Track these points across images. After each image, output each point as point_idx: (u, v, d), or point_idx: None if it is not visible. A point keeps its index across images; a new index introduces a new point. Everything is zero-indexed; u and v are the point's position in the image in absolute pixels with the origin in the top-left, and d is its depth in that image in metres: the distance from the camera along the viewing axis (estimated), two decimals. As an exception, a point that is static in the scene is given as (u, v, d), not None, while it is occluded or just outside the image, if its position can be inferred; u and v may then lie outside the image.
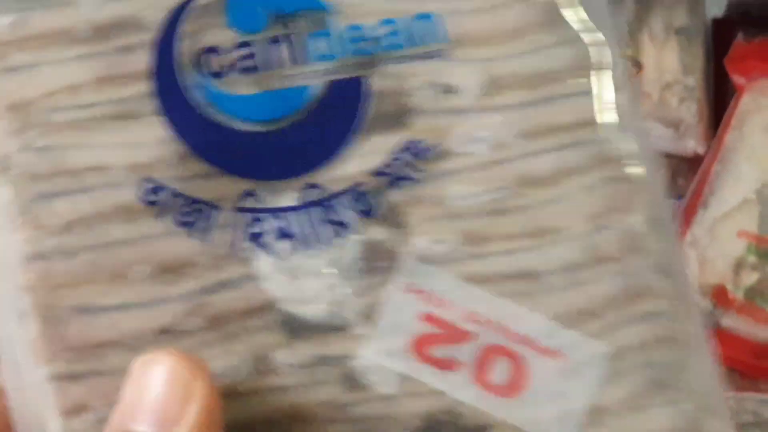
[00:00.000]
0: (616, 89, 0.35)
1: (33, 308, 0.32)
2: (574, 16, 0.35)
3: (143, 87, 0.33)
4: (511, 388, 0.33)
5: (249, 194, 0.33)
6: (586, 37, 0.35)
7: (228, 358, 0.33)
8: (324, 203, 0.33)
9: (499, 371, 0.33)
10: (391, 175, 0.33)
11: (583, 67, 0.35)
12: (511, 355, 0.33)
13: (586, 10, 0.35)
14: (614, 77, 0.35)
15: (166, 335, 0.32)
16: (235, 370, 0.32)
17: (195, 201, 0.33)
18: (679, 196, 0.90)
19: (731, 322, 0.85)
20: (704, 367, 0.34)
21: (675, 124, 0.91)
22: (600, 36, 0.35)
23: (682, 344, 0.34)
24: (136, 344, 0.32)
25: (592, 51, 0.35)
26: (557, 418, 0.33)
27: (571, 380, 0.33)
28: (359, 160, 0.33)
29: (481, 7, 0.34)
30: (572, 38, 0.35)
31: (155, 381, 0.31)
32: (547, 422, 0.33)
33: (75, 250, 0.33)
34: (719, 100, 0.95)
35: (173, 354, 0.31)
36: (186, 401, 0.30)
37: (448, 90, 0.34)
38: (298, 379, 0.33)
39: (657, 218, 0.34)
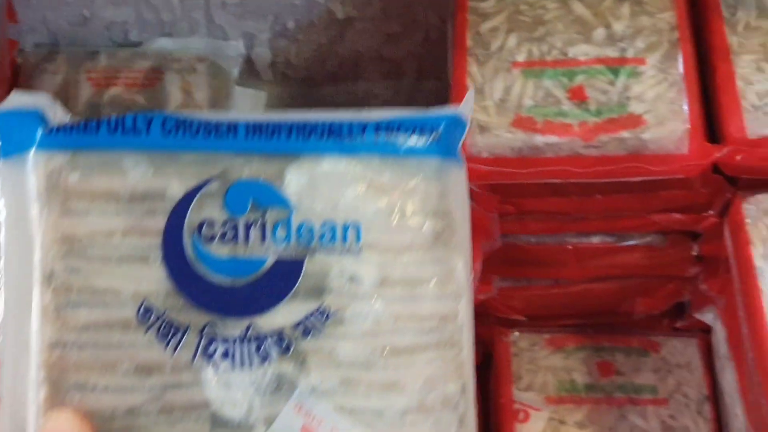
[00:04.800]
0: (460, 296, 0.48)
1: (46, 380, 0.45)
2: (446, 245, 0.48)
3: (155, 240, 0.46)
4: None
5: (210, 324, 0.46)
6: (450, 256, 0.48)
7: None
8: (258, 339, 0.46)
9: None
10: (304, 328, 0.47)
11: (448, 277, 0.48)
12: None
13: (449, 238, 0.48)
14: (463, 283, 0.49)
15: (131, 413, 0.45)
16: None
17: (172, 323, 0.46)
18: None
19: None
20: None
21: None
22: (458, 257, 0.49)
23: None
24: (110, 416, 0.45)
25: (457, 266, 0.48)
26: None
27: None
28: (286, 314, 0.47)
29: (386, 227, 0.47)
30: (442, 257, 0.48)
31: (59, 425, 0.44)
32: None
33: (84, 345, 0.46)
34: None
35: (72, 410, 0.44)
36: None
37: (353, 279, 0.47)
38: None
39: (465, 387, 0.48)
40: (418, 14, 1.15)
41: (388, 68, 1.22)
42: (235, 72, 1.16)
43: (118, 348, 0.46)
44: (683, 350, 1.05)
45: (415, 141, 0.48)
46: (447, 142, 0.49)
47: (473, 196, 0.89)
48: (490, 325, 1.10)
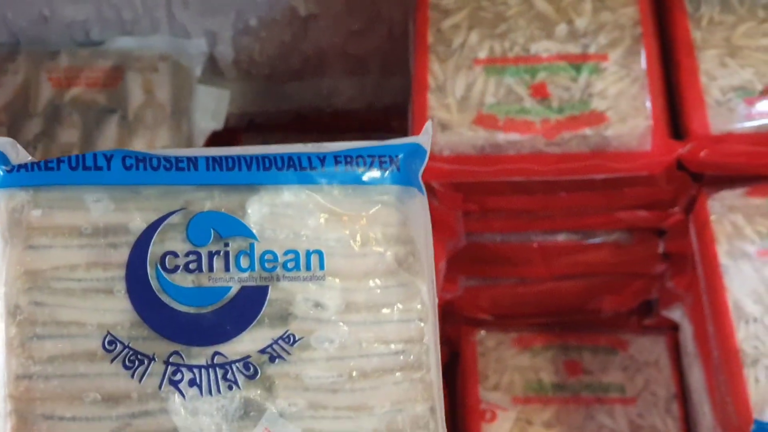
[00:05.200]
0: (424, 319, 0.50)
1: (13, 412, 0.47)
2: (408, 271, 0.50)
3: (119, 272, 0.48)
4: None
5: (175, 353, 0.48)
6: (412, 280, 0.50)
7: None
8: (224, 366, 0.48)
9: None
10: (270, 354, 0.48)
11: (411, 301, 0.50)
12: None
13: (411, 263, 0.50)
14: (426, 307, 0.50)
15: None
16: None
17: (138, 353, 0.47)
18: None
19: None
20: None
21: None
22: (420, 283, 0.50)
23: None
24: None
25: (419, 291, 0.50)
26: None
27: None
28: (251, 341, 0.48)
29: (349, 254, 0.49)
30: (405, 282, 0.50)
31: None
32: None
33: (51, 376, 0.47)
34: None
35: None
36: None
37: (318, 305, 0.49)
38: None
39: (434, 408, 0.49)
40: (382, 10, 1.17)
41: (352, 65, 1.24)
42: (198, 70, 1.17)
43: (85, 378, 0.47)
44: (651, 348, 1.07)
45: (374, 171, 0.50)
46: (406, 171, 0.50)
47: (436, 194, 0.91)
48: (457, 324, 1.11)
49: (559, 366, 1.05)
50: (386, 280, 0.50)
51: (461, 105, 0.94)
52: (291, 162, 0.49)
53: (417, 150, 0.51)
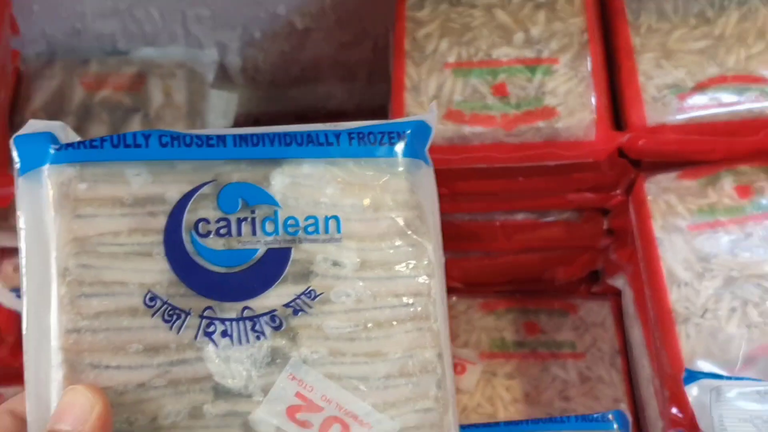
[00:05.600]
0: (431, 275, 0.48)
1: (64, 362, 0.45)
2: (416, 233, 0.48)
3: (157, 237, 0.46)
4: None
5: (209, 308, 0.46)
6: (419, 241, 0.48)
7: (176, 406, 0.45)
8: (252, 319, 0.46)
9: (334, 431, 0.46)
10: (294, 308, 0.46)
11: (418, 259, 0.48)
12: (342, 423, 0.46)
13: (418, 226, 0.48)
14: (432, 264, 0.48)
15: (141, 387, 0.45)
16: (178, 414, 0.45)
17: (176, 308, 0.46)
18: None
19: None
20: None
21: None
22: (427, 243, 0.48)
23: (443, 428, 0.47)
24: (122, 390, 0.45)
25: (426, 250, 0.48)
26: None
27: None
28: (277, 297, 0.46)
29: (363, 218, 0.47)
30: (414, 242, 0.48)
31: (74, 399, 0.43)
32: None
33: (97, 330, 0.45)
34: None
35: (86, 385, 0.44)
36: (90, 412, 0.43)
37: (336, 264, 0.47)
38: (215, 423, 0.45)
39: (441, 354, 0.47)
40: (367, 25, 1.15)
41: (342, 72, 1.22)
42: (210, 77, 1.15)
43: (128, 331, 0.45)
44: (598, 311, 1.05)
45: (385, 145, 0.48)
46: (414, 145, 0.48)
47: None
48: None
49: (519, 326, 1.04)
50: (397, 241, 0.48)
51: (432, 102, 0.93)
52: (310, 138, 0.48)
53: (423, 127, 0.49)
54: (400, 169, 0.48)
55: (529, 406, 0.98)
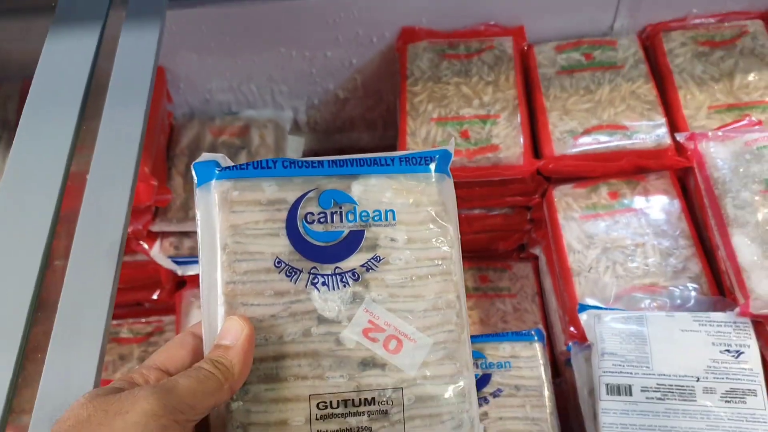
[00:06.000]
0: (452, 246, 0.46)
1: (224, 302, 0.43)
2: (442, 220, 0.46)
3: (281, 224, 0.44)
4: (396, 350, 0.44)
5: (314, 268, 0.44)
6: (445, 225, 0.46)
7: (294, 328, 0.44)
8: (341, 274, 0.44)
9: (392, 344, 0.44)
10: (366, 267, 0.44)
11: (444, 236, 0.46)
12: (397, 339, 0.44)
13: (444, 216, 0.46)
14: (453, 240, 0.46)
15: (272, 317, 0.43)
16: (294, 334, 0.43)
17: (293, 268, 0.44)
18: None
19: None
20: (469, 351, 0.45)
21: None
22: (449, 226, 0.46)
23: (461, 342, 0.45)
24: (260, 319, 0.43)
25: (449, 230, 0.46)
26: (410, 364, 0.43)
27: (417, 350, 0.44)
28: (356, 260, 0.44)
29: (409, 211, 0.45)
30: (440, 226, 0.46)
31: (232, 325, 0.42)
32: (407, 365, 0.43)
33: (245, 282, 0.44)
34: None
35: (239, 315, 0.42)
36: (241, 332, 0.42)
37: (393, 239, 0.45)
38: (318, 339, 0.44)
39: (459, 296, 0.45)
40: (383, 95, 1.13)
41: (367, 125, 1.20)
42: (288, 127, 1.13)
43: (264, 283, 0.44)
44: (525, 269, 1.04)
45: (422, 165, 0.46)
46: (441, 165, 0.47)
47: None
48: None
49: (476, 278, 1.03)
50: (431, 225, 0.46)
51: (423, 143, 0.92)
52: (376, 161, 0.46)
53: (446, 153, 0.47)
54: (432, 180, 0.46)
55: (483, 327, 0.97)
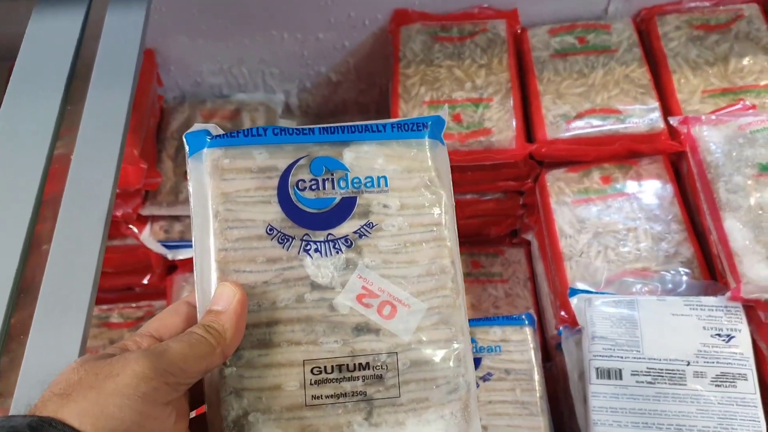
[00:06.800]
0: (446, 213, 0.45)
1: (217, 268, 0.43)
2: (435, 186, 0.46)
3: (273, 192, 0.44)
4: (390, 316, 0.44)
5: (306, 235, 0.44)
6: (438, 191, 0.46)
7: (287, 294, 0.43)
8: (333, 241, 0.44)
9: (386, 310, 0.44)
10: (360, 233, 0.44)
11: (437, 202, 0.46)
12: (391, 304, 0.44)
13: (437, 182, 0.46)
14: (446, 206, 0.46)
15: (265, 284, 0.43)
16: (287, 300, 0.43)
17: (286, 235, 0.44)
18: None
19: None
20: (465, 316, 0.45)
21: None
22: (443, 192, 0.46)
23: (456, 307, 0.45)
24: (253, 285, 0.43)
25: (442, 197, 0.46)
26: (405, 329, 0.44)
27: (411, 315, 0.44)
28: (348, 227, 0.44)
29: (402, 177, 0.45)
30: (434, 192, 0.46)
31: (224, 290, 0.42)
32: (402, 331, 0.43)
33: (237, 249, 0.43)
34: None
35: (231, 281, 0.42)
36: (233, 297, 0.42)
37: (386, 206, 0.45)
38: (312, 305, 0.44)
39: (453, 261, 0.45)
40: (376, 78, 1.13)
41: (360, 109, 1.20)
42: (279, 111, 1.13)
43: (256, 249, 0.44)
44: (517, 254, 1.04)
45: (415, 131, 0.46)
46: (434, 131, 0.46)
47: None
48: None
49: (468, 263, 1.03)
50: (423, 191, 0.46)
51: (416, 127, 0.92)
52: (367, 128, 0.46)
53: (439, 119, 0.47)
54: (425, 146, 0.46)
55: (474, 312, 0.97)
